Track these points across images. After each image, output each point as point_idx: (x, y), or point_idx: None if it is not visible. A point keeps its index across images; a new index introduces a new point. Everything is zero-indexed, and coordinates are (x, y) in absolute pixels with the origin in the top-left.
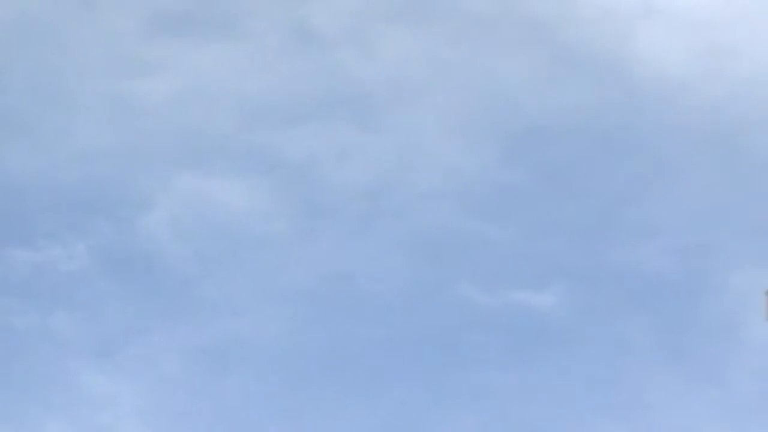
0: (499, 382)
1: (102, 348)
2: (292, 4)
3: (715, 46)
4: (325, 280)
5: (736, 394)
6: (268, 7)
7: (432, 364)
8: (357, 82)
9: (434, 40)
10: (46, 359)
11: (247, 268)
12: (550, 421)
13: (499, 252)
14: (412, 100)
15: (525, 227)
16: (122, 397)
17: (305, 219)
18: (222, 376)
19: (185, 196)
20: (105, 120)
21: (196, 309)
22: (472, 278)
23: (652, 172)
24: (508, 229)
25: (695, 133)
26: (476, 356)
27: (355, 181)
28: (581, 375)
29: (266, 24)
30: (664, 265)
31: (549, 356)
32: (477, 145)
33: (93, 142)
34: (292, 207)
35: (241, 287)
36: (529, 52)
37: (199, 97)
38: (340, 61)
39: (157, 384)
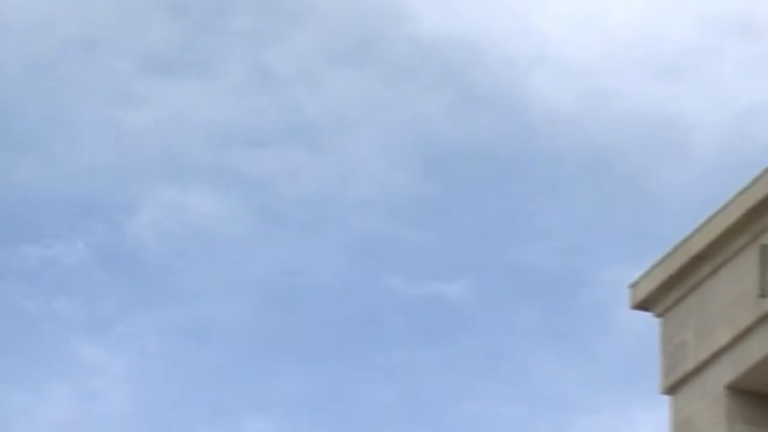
0: (417, 357)
1: (96, 326)
2: (254, 49)
3: (594, 89)
4: (278, 274)
5: (605, 367)
6: (234, 52)
7: (363, 342)
8: (306, 114)
9: (369, 80)
10: (50, 335)
11: (215, 263)
12: (454, 389)
13: (419, 251)
14: (351, 129)
15: (440, 231)
16: (112, 366)
17: (263, 224)
18: (194, 350)
19: (165, 204)
20: (101, 142)
21: (173, 296)
22: (397, 272)
23: (541, 188)
24: (427, 232)
25: (577, 158)
26: (399, 336)
27: (303, 193)
28: (482, 352)
29: (233, 66)
30: (551, 263)
31: (457, 336)
32: (402, 165)
33: (91, 160)
34: (252, 214)
35: (211, 278)
36: (444, 91)
37: (178, 124)
38: (292, 97)
39: (141, 356)
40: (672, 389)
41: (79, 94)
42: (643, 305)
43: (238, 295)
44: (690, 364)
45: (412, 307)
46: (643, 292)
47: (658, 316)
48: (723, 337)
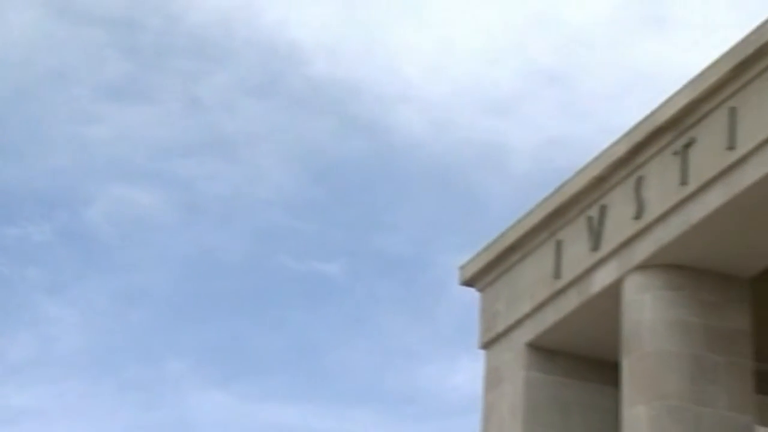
0: (301, 317)
1: (56, 288)
2: (186, 83)
3: (441, 120)
4: (198, 252)
5: (442, 328)
6: (171, 84)
7: (261, 305)
8: (223, 132)
9: (272, 108)
10: (21, 295)
11: (150, 243)
12: (329, 342)
13: (306, 238)
14: (257, 145)
15: (322, 223)
16: (67, 319)
17: (187, 214)
18: (131, 308)
19: (114, 198)
20: (67, 150)
21: (117, 267)
22: (288, 253)
23: (399, 194)
24: (312, 224)
25: (427, 172)
26: (288, 301)
27: (219, 192)
28: (351, 314)
29: (170, 95)
30: (404, 250)
31: (332, 303)
32: (295, 173)
33: (58, 163)
34: (179, 207)
35: (146, 254)
36: (329, 118)
37: (126, 138)
38: (214, 119)
39: (90, 312)
40: (487, 345)
41: (51, 113)
42: (469, 282)
43: (167, 267)
44: (500, 327)
45: (299, 279)
46: (469, 272)
47: (479, 291)
48: (525, 307)
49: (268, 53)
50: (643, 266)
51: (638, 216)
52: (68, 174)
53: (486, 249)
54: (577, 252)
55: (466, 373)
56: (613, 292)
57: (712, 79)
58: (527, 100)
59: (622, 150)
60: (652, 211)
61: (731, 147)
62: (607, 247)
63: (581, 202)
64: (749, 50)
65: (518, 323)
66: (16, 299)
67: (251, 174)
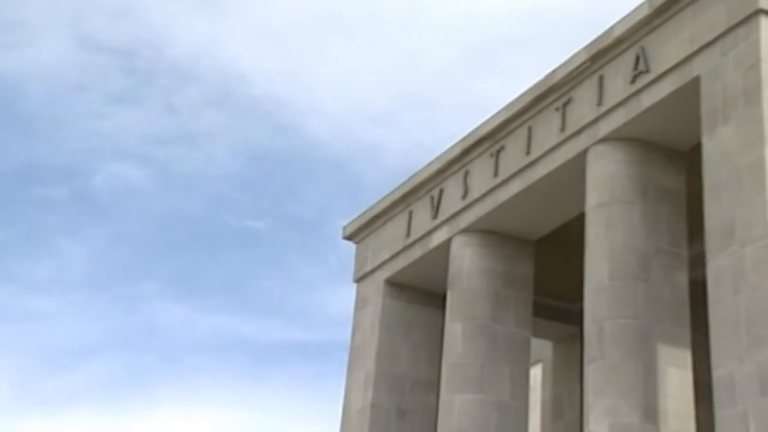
0: (238, 258)
1: (69, 232)
2: (167, 96)
3: (340, 126)
4: (168, 211)
5: (333, 269)
6: (156, 96)
7: (208, 246)
8: (189, 130)
9: (223, 115)
10: (44, 235)
11: (137, 203)
12: (255, 275)
13: (242, 203)
14: (212, 140)
15: (254, 193)
16: (76, 253)
17: (163, 184)
18: (120, 247)
19: (113, 172)
20: (82, 137)
21: (112, 219)
22: (231, 213)
23: (309, 176)
24: (247, 194)
25: (328, 162)
26: (229, 247)
27: (185, 170)
28: (271, 258)
29: (154, 103)
30: (309, 214)
31: (259, 249)
32: (237, 159)
33: (76, 146)
34: (158, 179)
35: (133, 211)
36: (263, 123)
37: (122, 132)
38: (184, 121)
39: (92, 248)
40: (358, 280)
41: (72, 111)
42: (349, 238)
43: (147, 220)
44: (368, 268)
45: (237, 232)
46: (349, 231)
47: (356, 243)
48: (385, 255)
49: (224, 76)
50: (466, 230)
51: (464, 196)
52: (82, 153)
53: (360, 216)
54: (422, 219)
55: (344, 298)
56: (445, 247)
57: (517, 107)
58: (399, 116)
59: (456, 152)
60: (474, 194)
61: (528, 153)
62: (442, 216)
63: (427, 186)
64: (542, 89)
65: (380, 266)
66: (41, 238)
67: (208, 159)
